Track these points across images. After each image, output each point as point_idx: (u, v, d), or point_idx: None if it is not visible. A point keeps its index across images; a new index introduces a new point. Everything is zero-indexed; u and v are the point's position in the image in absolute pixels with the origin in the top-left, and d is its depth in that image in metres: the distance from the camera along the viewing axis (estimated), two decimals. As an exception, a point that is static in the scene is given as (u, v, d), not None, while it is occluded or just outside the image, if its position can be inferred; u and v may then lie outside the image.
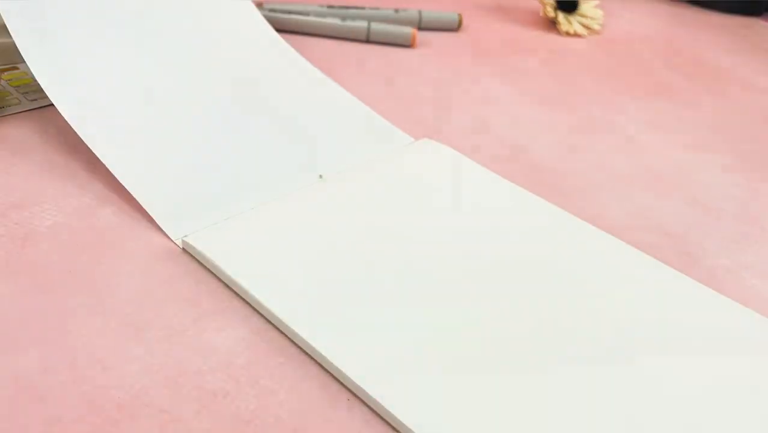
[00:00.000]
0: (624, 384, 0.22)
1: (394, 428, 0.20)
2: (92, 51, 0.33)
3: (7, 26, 0.31)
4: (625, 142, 0.41)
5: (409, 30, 0.51)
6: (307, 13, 0.51)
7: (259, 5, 0.51)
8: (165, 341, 0.22)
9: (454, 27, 0.58)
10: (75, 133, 0.29)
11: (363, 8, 0.54)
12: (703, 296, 0.27)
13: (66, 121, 0.29)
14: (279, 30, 0.50)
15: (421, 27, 0.56)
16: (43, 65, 0.30)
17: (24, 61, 0.31)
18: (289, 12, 0.51)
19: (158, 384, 0.20)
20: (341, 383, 0.21)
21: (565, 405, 0.21)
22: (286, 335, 0.23)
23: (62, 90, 0.30)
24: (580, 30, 0.63)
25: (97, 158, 0.28)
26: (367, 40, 0.51)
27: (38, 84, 0.30)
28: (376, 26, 0.51)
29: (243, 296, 0.24)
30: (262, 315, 0.24)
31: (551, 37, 0.60)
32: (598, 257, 0.29)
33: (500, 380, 0.22)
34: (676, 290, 0.27)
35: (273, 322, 0.23)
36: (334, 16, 0.52)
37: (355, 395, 0.21)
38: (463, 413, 0.20)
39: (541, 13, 0.64)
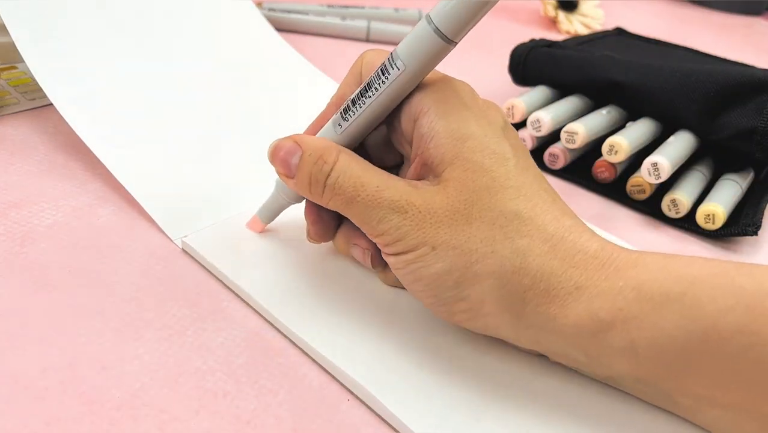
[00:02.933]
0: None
1: (393, 428, 0.20)
2: (91, 51, 0.33)
3: (6, 26, 0.31)
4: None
5: (408, 29, 0.51)
6: (306, 13, 0.51)
7: (259, 5, 0.51)
8: (164, 341, 0.22)
9: (454, 26, 0.57)
10: (74, 132, 0.29)
11: (363, 7, 0.54)
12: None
13: (65, 121, 0.29)
14: (279, 29, 0.50)
15: (421, 26, 0.56)
16: (42, 65, 0.30)
17: (23, 61, 0.31)
18: (289, 11, 0.51)
19: (158, 384, 0.20)
20: (341, 383, 0.21)
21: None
22: (285, 335, 0.23)
23: (61, 89, 0.30)
24: (581, 29, 0.63)
25: (97, 158, 0.28)
26: (367, 40, 0.51)
27: (37, 83, 0.30)
28: (376, 25, 0.51)
29: (242, 297, 0.24)
30: (261, 315, 0.24)
31: (552, 36, 0.60)
32: None
33: (501, 379, 0.22)
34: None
35: (272, 322, 0.23)
36: (334, 15, 0.52)
37: (355, 395, 0.21)
38: (463, 413, 0.20)
39: (542, 12, 0.64)
